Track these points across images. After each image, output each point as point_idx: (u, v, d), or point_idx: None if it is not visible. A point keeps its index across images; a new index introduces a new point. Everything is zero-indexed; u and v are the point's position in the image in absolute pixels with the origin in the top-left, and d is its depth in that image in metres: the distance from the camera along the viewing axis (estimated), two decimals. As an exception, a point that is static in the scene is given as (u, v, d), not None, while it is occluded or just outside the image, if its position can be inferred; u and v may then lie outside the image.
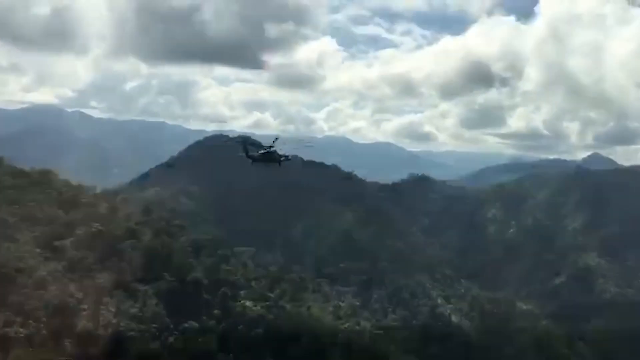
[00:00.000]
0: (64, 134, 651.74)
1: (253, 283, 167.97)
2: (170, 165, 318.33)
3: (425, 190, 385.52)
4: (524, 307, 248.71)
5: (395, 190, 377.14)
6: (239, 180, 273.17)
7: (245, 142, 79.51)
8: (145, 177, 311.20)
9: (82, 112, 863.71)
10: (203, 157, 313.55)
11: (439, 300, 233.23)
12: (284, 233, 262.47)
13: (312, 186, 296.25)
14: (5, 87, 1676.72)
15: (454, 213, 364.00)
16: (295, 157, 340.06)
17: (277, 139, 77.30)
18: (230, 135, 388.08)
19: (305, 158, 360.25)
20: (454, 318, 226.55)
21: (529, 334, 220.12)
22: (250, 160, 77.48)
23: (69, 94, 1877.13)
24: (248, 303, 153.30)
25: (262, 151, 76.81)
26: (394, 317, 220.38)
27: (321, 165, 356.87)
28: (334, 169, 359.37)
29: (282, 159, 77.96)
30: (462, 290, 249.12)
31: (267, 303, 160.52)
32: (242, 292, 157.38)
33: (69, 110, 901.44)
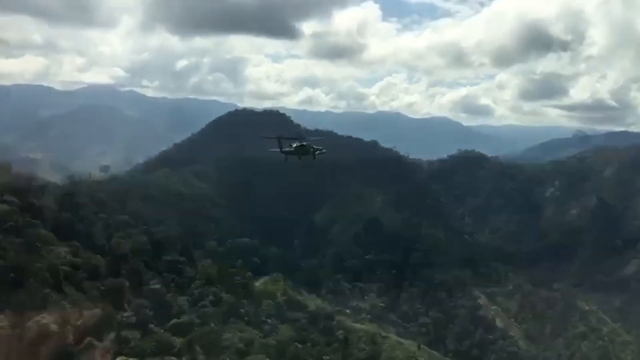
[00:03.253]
0: (117, 113, 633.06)
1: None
2: (190, 143, 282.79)
3: (476, 168, 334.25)
4: (586, 307, 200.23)
5: (440, 168, 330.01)
6: (261, 158, 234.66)
7: (280, 138, 72.22)
8: (165, 155, 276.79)
9: (135, 92, 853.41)
10: (224, 134, 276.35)
11: (481, 300, 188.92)
12: (305, 219, 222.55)
13: (343, 165, 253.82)
14: (59, 68, 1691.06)
15: (507, 193, 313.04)
16: (330, 132, 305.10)
17: (304, 139, 72.77)
18: (281, 111, 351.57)
19: (353, 135, 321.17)
20: (498, 322, 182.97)
21: (591, 341, 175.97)
22: (285, 156, 72.44)
23: (122, 73, 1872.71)
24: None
25: (295, 144, 71.52)
26: (425, 320, 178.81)
27: (358, 140, 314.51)
28: (372, 144, 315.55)
29: (316, 152, 71.87)
30: (511, 287, 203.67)
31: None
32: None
33: (123, 89, 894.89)
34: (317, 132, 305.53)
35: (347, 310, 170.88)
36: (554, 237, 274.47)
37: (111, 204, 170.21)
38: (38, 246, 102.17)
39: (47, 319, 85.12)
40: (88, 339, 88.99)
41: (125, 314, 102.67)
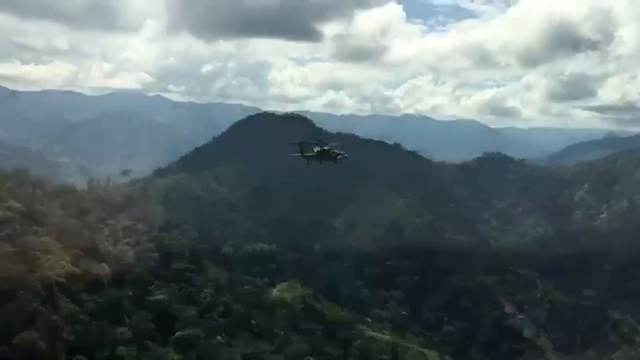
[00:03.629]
0: (143, 117, 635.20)
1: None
2: (209, 147, 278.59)
3: (502, 170, 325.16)
4: (618, 316, 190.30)
5: (466, 170, 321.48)
6: (281, 162, 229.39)
7: (302, 144, 71.87)
8: (185, 159, 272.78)
9: (162, 96, 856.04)
10: (245, 138, 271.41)
11: (508, 309, 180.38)
12: (325, 223, 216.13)
13: (364, 168, 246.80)
14: (87, 73, 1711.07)
15: (535, 196, 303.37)
16: (352, 135, 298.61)
17: (325, 144, 71.55)
18: (305, 115, 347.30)
19: (376, 138, 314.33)
20: (526, 332, 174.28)
21: (623, 352, 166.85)
22: (306, 161, 72.21)
23: (149, 78, 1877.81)
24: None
25: (317, 149, 70.74)
26: (449, 329, 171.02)
27: (380, 143, 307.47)
28: (395, 147, 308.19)
29: (338, 157, 71.50)
30: (539, 295, 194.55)
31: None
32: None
33: (150, 94, 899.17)
34: (339, 136, 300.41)
35: (368, 319, 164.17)
36: (584, 242, 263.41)
37: (126, 209, 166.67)
38: (36, 255, 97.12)
39: (33, 336, 79.74)
40: (77, 357, 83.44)
41: (121, 329, 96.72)
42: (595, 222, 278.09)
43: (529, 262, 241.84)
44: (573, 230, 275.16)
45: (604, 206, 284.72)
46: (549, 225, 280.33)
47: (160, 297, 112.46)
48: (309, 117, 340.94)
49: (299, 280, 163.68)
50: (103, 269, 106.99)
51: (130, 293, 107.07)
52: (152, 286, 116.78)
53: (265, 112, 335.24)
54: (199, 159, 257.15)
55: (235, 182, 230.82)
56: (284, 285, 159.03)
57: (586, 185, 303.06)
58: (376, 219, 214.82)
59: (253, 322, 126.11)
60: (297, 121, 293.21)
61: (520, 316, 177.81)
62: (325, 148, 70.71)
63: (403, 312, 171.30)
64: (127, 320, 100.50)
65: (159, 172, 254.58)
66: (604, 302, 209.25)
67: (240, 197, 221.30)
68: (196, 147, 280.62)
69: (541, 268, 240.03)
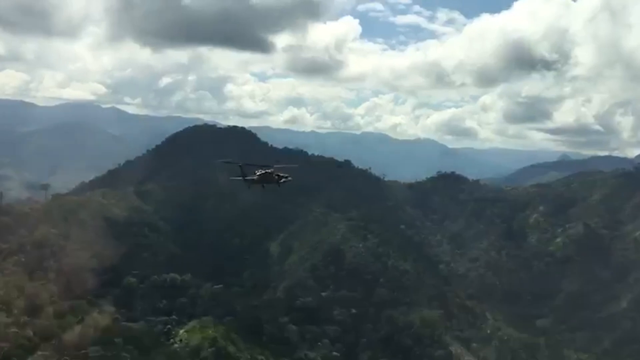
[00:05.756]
0: (96, 130, 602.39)
1: None
2: (141, 161, 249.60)
3: (456, 191, 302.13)
4: (574, 356, 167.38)
5: (418, 190, 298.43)
6: (215, 177, 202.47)
7: (243, 166, 63.91)
8: (113, 174, 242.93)
9: (117, 108, 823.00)
10: (182, 151, 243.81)
11: (454, 347, 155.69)
12: (259, 247, 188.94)
13: (308, 187, 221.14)
14: (39, 83, 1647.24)
15: (489, 218, 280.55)
16: (300, 151, 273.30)
17: (275, 163, 65.51)
18: (265, 131, 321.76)
19: (337, 156, 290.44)
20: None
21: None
22: (248, 185, 64.88)
23: (102, 89, 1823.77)
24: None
25: (260, 172, 63.56)
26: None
27: (330, 160, 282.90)
28: (345, 165, 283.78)
29: (281, 180, 64.26)
30: (488, 331, 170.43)
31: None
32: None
33: (104, 106, 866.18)
34: (285, 151, 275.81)
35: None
36: (538, 267, 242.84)
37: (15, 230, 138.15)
38: None
39: None
40: None
41: None
42: (550, 247, 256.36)
43: (480, 290, 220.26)
44: (527, 255, 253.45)
45: (559, 230, 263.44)
46: (502, 249, 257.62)
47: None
48: (269, 133, 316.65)
49: (215, 317, 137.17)
50: None
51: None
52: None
53: (205, 124, 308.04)
54: (127, 174, 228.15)
55: (162, 200, 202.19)
56: (194, 323, 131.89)
57: (541, 208, 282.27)
58: (314, 243, 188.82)
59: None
60: (239, 134, 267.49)
61: (467, 358, 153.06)
62: (269, 171, 63.87)
63: (335, 353, 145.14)
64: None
65: (83, 187, 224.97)
66: (559, 337, 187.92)
67: (165, 217, 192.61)
68: (127, 161, 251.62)
69: (493, 296, 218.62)
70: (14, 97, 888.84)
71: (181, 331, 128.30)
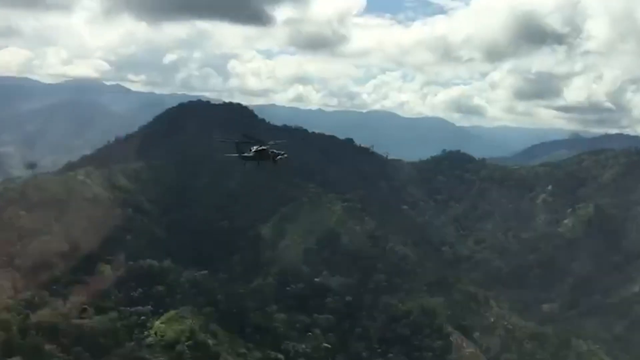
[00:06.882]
0: (101, 108, 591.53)
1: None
2: (133, 137, 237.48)
3: (462, 170, 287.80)
4: (584, 347, 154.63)
5: (423, 169, 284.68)
6: (208, 155, 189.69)
7: (239, 143, 61.51)
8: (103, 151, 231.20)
9: (121, 86, 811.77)
10: (175, 128, 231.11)
11: (454, 337, 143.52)
12: (249, 230, 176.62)
13: (306, 166, 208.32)
14: (42, 60, 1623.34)
15: (495, 198, 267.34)
16: (300, 128, 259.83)
17: (274, 142, 61.47)
18: (271, 109, 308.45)
19: (342, 135, 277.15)
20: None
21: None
22: (244, 162, 61.89)
23: (106, 66, 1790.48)
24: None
25: (255, 149, 59.94)
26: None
27: (331, 138, 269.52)
28: (346, 143, 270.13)
29: (277, 157, 60.31)
30: (492, 319, 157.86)
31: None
32: None
33: (108, 83, 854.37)
34: (284, 128, 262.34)
35: (279, 356, 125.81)
36: (546, 250, 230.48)
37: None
38: None
39: None
40: None
41: None
42: (558, 228, 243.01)
43: (485, 274, 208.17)
44: (535, 237, 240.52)
45: (569, 210, 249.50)
46: (508, 230, 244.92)
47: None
48: (274, 110, 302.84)
49: (195, 307, 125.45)
50: None
51: None
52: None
53: (199, 100, 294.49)
54: (116, 151, 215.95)
55: (150, 180, 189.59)
56: (171, 314, 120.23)
57: (550, 188, 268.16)
58: (308, 225, 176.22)
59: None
60: (235, 111, 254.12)
61: (468, 349, 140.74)
62: (264, 147, 60.52)
63: (325, 344, 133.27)
64: None
65: (72, 166, 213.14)
66: (568, 324, 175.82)
67: (152, 198, 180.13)
68: (116, 138, 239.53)
69: (498, 280, 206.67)
70: (19, 75, 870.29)
71: (157, 322, 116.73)
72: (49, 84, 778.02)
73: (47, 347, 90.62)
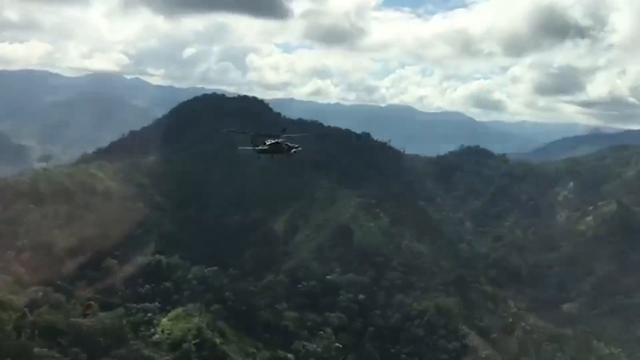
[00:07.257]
0: (121, 101, 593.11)
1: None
2: (147, 131, 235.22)
3: (481, 166, 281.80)
4: (606, 350, 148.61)
5: (441, 165, 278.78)
6: (221, 149, 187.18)
7: (254, 136, 61.44)
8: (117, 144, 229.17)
9: (141, 79, 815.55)
10: (188, 122, 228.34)
11: (471, 339, 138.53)
12: (261, 225, 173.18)
13: (321, 160, 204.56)
14: (63, 54, 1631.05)
15: (515, 195, 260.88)
16: (316, 122, 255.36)
17: (285, 129, 61.95)
18: (290, 103, 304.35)
19: (359, 129, 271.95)
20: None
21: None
22: (258, 155, 61.13)
23: (126, 60, 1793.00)
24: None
25: (269, 142, 60.08)
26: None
27: (346, 132, 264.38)
28: (363, 137, 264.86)
29: (292, 150, 60.61)
30: (510, 320, 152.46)
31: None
32: None
33: (128, 77, 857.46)
34: (299, 122, 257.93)
35: (289, 355, 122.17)
36: (566, 248, 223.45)
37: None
38: None
39: None
40: None
41: None
42: (580, 226, 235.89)
43: (503, 272, 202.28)
44: (555, 234, 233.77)
45: (590, 208, 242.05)
46: (528, 228, 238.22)
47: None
48: (292, 104, 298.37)
49: (204, 304, 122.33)
50: None
51: None
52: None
53: (214, 94, 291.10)
54: (130, 145, 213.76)
55: (163, 174, 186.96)
56: (178, 311, 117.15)
57: (571, 184, 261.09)
58: (322, 221, 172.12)
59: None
60: (250, 105, 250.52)
61: (485, 351, 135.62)
62: (278, 141, 60.30)
63: (337, 344, 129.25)
64: None
65: (86, 159, 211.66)
66: (588, 326, 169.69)
67: (164, 192, 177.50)
68: (130, 131, 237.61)
69: (517, 279, 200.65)
70: (41, 68, 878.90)
71: (164, 320, 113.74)
72: (70, 77, 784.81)
73: (43, 348, 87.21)
